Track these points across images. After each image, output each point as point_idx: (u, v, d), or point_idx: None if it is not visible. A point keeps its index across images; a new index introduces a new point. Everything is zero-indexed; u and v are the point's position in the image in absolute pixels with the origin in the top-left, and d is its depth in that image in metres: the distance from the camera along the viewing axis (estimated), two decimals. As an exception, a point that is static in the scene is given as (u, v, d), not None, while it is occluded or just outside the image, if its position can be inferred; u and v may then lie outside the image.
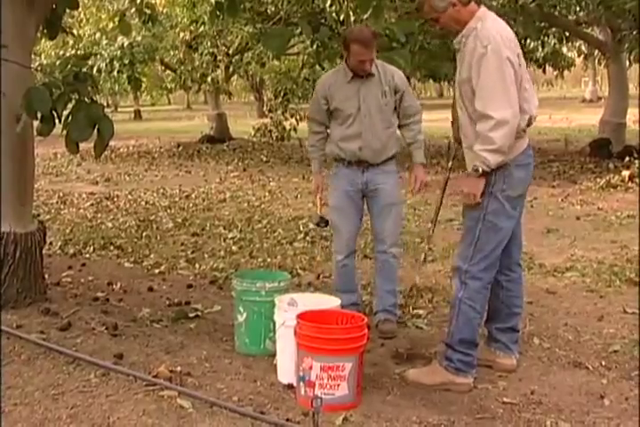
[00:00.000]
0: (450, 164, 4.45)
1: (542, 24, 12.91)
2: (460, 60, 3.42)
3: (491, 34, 3.29)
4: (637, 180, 9.65)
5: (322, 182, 4.61)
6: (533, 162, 3.56)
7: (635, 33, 12.08)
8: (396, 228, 4.53)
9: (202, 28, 15.52)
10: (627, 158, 11.19)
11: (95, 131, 3.73)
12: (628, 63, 14.36)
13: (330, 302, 3.72)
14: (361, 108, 4.27)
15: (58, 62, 4.01)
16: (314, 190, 4.73)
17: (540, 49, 18.03)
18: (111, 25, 13.64)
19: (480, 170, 3.30)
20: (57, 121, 3.78)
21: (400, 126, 4.45)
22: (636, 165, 10.42)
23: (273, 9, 12.53)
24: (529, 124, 3.44)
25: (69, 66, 3.81)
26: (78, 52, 13.94)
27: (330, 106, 4.36)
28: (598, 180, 10.07)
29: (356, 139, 4.31)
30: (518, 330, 3.85)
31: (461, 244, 3.54)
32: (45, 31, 4.79)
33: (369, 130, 4.28)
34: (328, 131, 4.50)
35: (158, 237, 7.11)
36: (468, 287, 3.46)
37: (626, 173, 9.97)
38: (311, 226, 7.36)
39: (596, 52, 17.94)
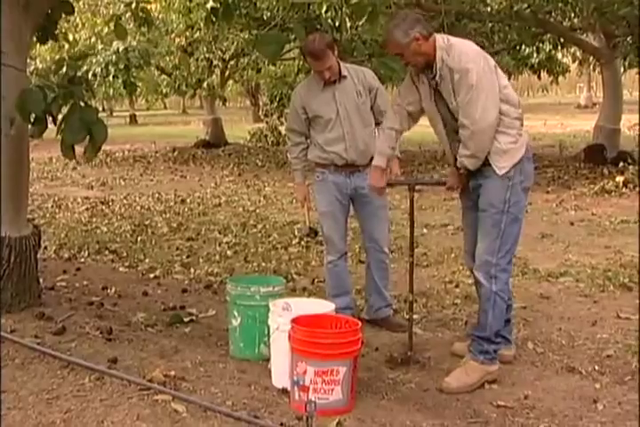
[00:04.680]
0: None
1: (537, 30, 12.97)
2: (447, 91, 3.54)
3: (462, 55, 3.46)
4: (631, 185, 9.69)
5: (308, 193, 4.66)
6: None
7: (629, 39, 12.14)
8: (387, 228, 4.62)
9: (197, 34, 15.54)
10: (621, 164, 11.20)
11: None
12: (622, 69, 14.42)
13: (324, 306, 3.73)
14: (339, 112, 4.33)
15: (53, 65, 4.01)
16: (301, 201, 4.75)
17: (535, 55, 18.09)
18: (106, 30, 13.65)
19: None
20: (52, 124, 3.79)
21: (376, 124, 4.47)
22: (630, 171, 10.46)
23: (269, 15, 12.55)
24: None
25: (64, 69, 3.82)
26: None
27: (308, 114, 4.41)
28: (592, 185, 10.09)
29: (340, 142, 4.36)
30: (510, 319, 3.95)
31: (486, 238, 3.62)
32: (38, 35, 4.80)
33: (350, 132, 4.34)
34: (308, 141, 4.54)
35: (153, 242, 7.11)
36: (499, 280, 3.59)
37: (620, 178, 9.99)
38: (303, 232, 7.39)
39: (591, 58, 18.01)
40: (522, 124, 3.60)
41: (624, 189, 9.65)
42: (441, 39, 3.55)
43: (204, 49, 16.35)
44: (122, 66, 14.57)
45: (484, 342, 3.62)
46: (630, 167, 10.73)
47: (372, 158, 4.44)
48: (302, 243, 6.90)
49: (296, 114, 4.47)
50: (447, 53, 3.49)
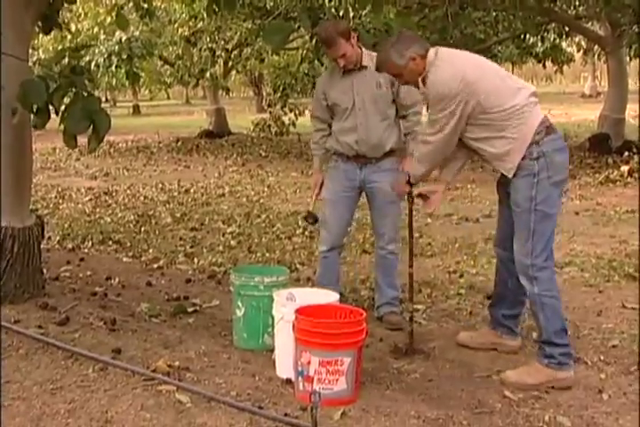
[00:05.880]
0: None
1: (542, 19, 12.89)
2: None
3: (437, 79, 3.49)
4: (636, 175, 9.65)
5: (320, 181, 4.59)
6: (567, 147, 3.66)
7: (634, 28, 12.06)
8: (395, 225, 4.47)
9: (200, 24, 15.48)
10: (626, 153, 11.18)
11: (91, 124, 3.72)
12: (627, 58, 14.34)
13: (328, 296, 3.71)
14: (355, 102, 4.27)
15: (53, 55, 3.98)
16: (312, 187, 4.71)
17: (540, 44, 17.99)
18: (109, 19, 13.60)
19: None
20: (54, 114, 3.77)
21: (400, 117, 4.41)
22: (635, 160, 10.43)
23: (272, 4, 12.49)
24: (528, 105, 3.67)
25: (66, 58, 3.79)
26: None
27: (328, 102, 4.37)
28: (597, 175, 10.07)
29: (352, 132, 4.30)
30: (521, 314, 3.93)
31: (517, 241, 3.54)
32: (40, 25, 4.77)
33: (364, 123, 4.27)
34: (331, 128, 4.47)
35: (157, 232, 7.10)
36: (540, 280, 3.48)
37: (625, 168, 9.97)
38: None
39: (596, 47, 17.91)
40: (522, 116, 3.55)
41: (629, 179, 9.63)
42: (432, 54, 3.57)
43: (207, 39, 16.29)
44: (124, 56, 14.52)
45: (546, 346, 3.52)
46: (635, 157, 10.70)
47: (386, 153, 4.35)
48: (306, 233, 6.89)
49: (319, 100, 4.45)
50: (429, 69, 3.52)
